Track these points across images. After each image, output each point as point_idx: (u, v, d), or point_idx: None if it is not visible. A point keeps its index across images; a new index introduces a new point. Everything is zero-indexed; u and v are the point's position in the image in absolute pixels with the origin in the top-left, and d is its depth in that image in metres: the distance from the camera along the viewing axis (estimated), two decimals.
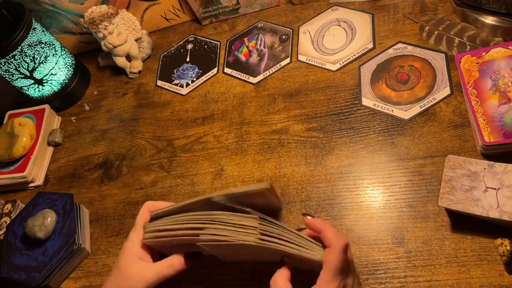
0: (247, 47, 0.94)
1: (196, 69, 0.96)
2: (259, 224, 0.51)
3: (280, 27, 0.93)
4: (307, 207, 0.68)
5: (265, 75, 0.88)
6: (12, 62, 0.91)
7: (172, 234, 0.54)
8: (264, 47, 0.92)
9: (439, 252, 0.58)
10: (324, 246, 0.50)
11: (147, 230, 0.57)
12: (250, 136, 0.80)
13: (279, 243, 0.50)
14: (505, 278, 0.54)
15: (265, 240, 0.50)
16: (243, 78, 0.89)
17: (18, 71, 0.93)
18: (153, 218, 0.58)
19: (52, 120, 1.00)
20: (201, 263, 0.60)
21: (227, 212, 0.52)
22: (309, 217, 0.52)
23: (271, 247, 0.49)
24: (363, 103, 0.76)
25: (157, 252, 0.59)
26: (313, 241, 0.51)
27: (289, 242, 0.50)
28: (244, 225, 0.51)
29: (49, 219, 0.76)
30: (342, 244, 0.48)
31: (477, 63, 0.65)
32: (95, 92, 1.04)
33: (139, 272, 0.54)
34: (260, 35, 0.95)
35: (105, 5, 0.95)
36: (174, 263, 0.56)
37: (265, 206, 0.56)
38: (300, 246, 0.50)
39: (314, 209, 0.68)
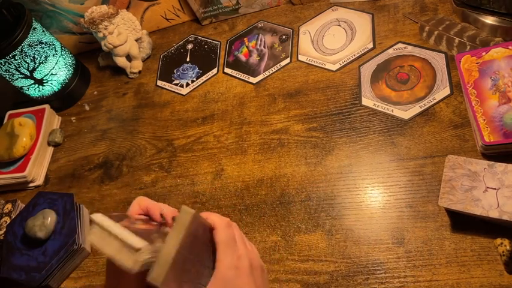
0: (247, 47, 0.94)
1: (196, 69, 0.96)
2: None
3: (280, 27, 0.93)
4: (307, 207, 0.68)
5: (265, 75, 0.88)
6: (12, 62, 0.91)
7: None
8: (264, 47, 0.92)
9: (439, 252, 0.58)
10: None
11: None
12: (250, 136, 0.80)
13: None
14: (505, 277, 0.54)
15: None
16: (243, 78, 0.89)
17: (19, 71, 0.93)
18: None
19: (52, 120, 1.00)
20: None
21: None
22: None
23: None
24: (363, 103, 0.76)
25: None
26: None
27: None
28: None
29: (49, 219, 0.76)
30: (225, 221, 0.48)
31: (477, 63, 0.65)
32: (95, 92, 1.04)
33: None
34: (260, 35, 0.95)
35: (105, 5, 0.95)
36: None
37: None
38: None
39: (314, 209, 0.68)
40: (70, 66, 1.01)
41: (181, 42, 1.03)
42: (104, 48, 0.97)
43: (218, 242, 0.47)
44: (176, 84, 0.96)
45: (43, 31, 0.95)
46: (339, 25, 0.88)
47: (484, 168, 0.57)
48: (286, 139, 0.77)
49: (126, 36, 0.97)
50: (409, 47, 0.78)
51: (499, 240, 0.55)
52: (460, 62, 0.66)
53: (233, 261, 0.46)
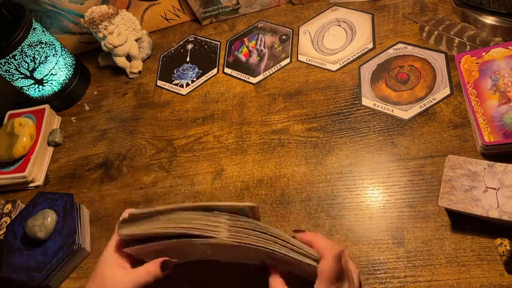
0: (247, 47, 0.94)
1: (196, 69, 0.96)
2: (229, 220, 0.49)
3: (280, 27, 0.93)
4: (307, 207, 0.68)
5: (265, 75, 0.88)
6: (12, 62, 0.91)
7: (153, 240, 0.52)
8: (264, 47, 0.92)
9: (439, 252, 0.58)
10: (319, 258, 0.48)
11: (121, 233, 0.54)
12: (250, 136, 0.80)
13: (258, 243, 0.48)
14: (505, 278, 0.54)
15: (236, 238, 0.47)
16: (243, 78, 0.90)
17: (19, 71, 0.93)
18: (129, 220, 0.54)
19: (52, 120, 1.00)
20: (200, 264, 0.60)
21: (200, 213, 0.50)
22: (300, 233, 0.51)
23: (245, 245, 0.47)
24: (363, 103, 0.76)
25: (137, 259, 0.57)
26: (306, 246, 0.49)
27: (274, 242, 0.48)
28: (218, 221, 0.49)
29: (49, 219, 0.76)
30: (335, 253, 0.47)
31: (477, 63, 0.65)
32: (95, 92, 1.04)
33: (115, 280, 0.52)
34: (260, 35, 0.95)
35: (105, 5, 0.95)
36: (151, 269, 0.53)
37: None
38: (288, 248, 0.48)
39: (314, 209, 0.68)
40: (70, 66, 1.01)
41: (181, 42, 1.03)
42: (104, 48, 0.97)
43: (323, 274, 0.46)
44: (176, 84, 0.96)
45: (43, 31, 0.95)
46: (339, 25, 0.88)
47: (484, 168, 0.57)
48: (286, 139, 0.77)
49: (126, 36, 0.97)
50: (409, 47, 0.78)
51: (499, 240, 0.55)
52: (460, 62, 0.66)
53: None
